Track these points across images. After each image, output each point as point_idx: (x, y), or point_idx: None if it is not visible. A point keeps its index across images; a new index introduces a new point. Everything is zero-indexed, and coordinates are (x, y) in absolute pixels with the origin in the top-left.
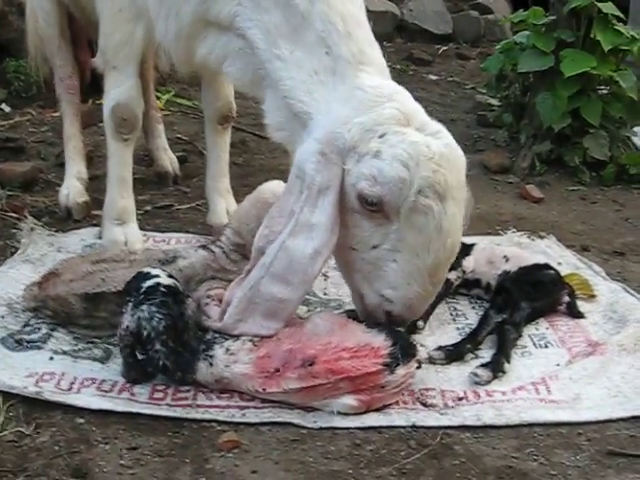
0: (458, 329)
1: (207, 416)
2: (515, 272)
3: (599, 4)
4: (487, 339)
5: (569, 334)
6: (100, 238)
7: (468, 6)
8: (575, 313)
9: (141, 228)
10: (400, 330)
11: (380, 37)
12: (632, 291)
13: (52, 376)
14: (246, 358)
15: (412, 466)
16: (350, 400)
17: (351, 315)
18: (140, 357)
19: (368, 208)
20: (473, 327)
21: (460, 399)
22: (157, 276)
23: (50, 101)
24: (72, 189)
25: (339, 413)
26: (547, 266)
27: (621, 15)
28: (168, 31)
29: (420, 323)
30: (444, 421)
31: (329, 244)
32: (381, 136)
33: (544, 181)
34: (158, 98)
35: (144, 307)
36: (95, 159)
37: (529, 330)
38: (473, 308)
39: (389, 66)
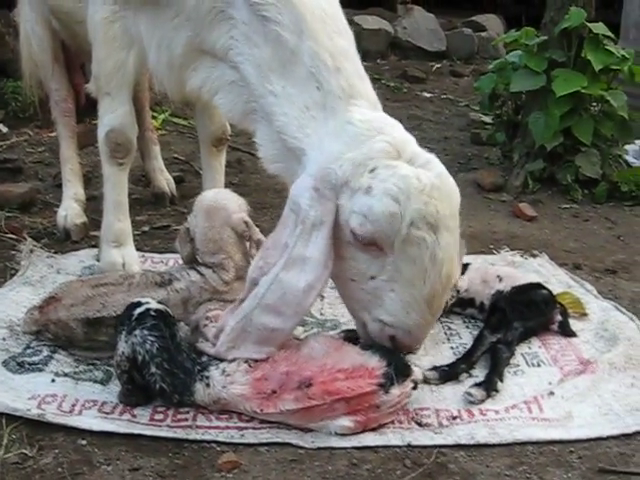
0: (452, 348)
1: (207, 437)
2: (508, 292)
3: (590, 24)
4: (481, 358)
5: (561, 352)
6: (98, 260)
7: (461, 24)
8: (567, 332)
9: (139, 249)
10: (394, 351)
11: (374, 55)
12: (623, 309)
13: (54, 398)
14: (242, 379)
15: None
16: (346, 421)
17: (347, 336)
18: (138, 382)
19: (362, 243)
20: (467, 346)
21: (454, 418)
22: (147, 303)
23: (47, 121)
24: (70, 210)
25: (336, 433)
26: (540, 285)
27: (611, 35)
28: (160, 61)
29: None
30: (439, 440)
31: (322, 278)
32: (372, 170)
33: (537, 199)
34: (154, 118)
35: (137, 332)
36: (93, 180)
37: (522, 349)
38: (467, 327)
39: (383, 83)
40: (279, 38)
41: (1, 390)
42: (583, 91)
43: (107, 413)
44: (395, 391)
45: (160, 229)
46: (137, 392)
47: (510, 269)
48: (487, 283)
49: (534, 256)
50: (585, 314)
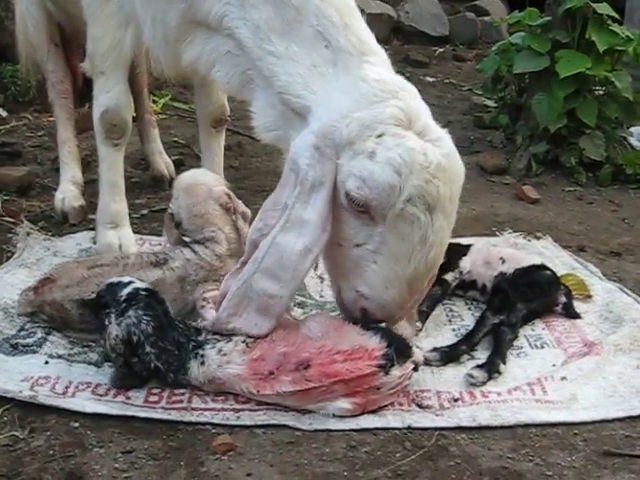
0: (454, 330)
1: (202, 419)
2: (511, 273)
3: (594, 5)
4: (483, 340)
5: (565, 334)
6: (95, 242)
7: (464, 8)
8: (571, 313)
9: (138, 232)
10: (395, 332)
11: (376, 39)
12: (628, 291)
13: (47, 380)
14: (239, 359)
15: (407, 467)
16: (345, 403)
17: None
18: (133, 364)
19: (355, 207)
20: (469, 328)
21: (456, 400)
22: (132, 282)
23: (46, 106)
24: (68, 193)
25: (334, 415)
26: (543, 267)
27: (616, 15)
28: (156, 35)
29: (418, 324)
30: (440, 422)
31: (319, 242)
32: (379, 136)
33: (540, 182)
34: (155, 102)
35: (130, 313)
36: (92, 163)
37: (525, 331)
38: (469, 309)
39: None
40: None
41: None
42: (587, 72)
43: (101, 395)
44: (395, 372)
45: (159, 212)
46: (132, 375)
47: (513, 251)
48: (490, 265)
49: (537, 238)
50: (589, 296)
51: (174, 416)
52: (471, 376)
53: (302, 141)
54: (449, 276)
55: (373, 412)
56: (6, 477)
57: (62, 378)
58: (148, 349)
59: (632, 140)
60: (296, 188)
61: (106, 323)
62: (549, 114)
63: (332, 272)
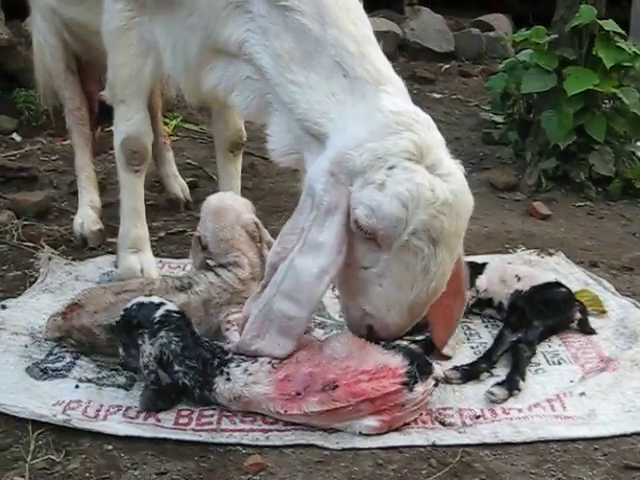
0: (472, 348)
1: (232, 440)
2: (527, 291)
3: (600, 22)
4: (501, 357)
5: (581, 350)
6: (116, 266)
7: (469, 24)
8: (587, 330)
9: (156, 255)
10: (416, 350)
11: None
12: None
13: (79, 404)
14: (266, 380)
15: None
16: (372, 421)
17: None
18: (165, 381)
19: (362, 233)
20: (487, 346)
21: (477, 417)
22: (163, 303)
23: (60, 130)
24: (86, 218)
25: (361, 434)
26: (558, 284)
27: (622, 31)
28: (176, 64)
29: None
30: (463, 439)
31: (335, 264)
32: (390, 168)
33: (551, 198)
34: (166, 124)
35: (162, 334)
36: (107, 187)
37: (542, 347)
38: (486, 327)
39: None
40: (302, 27)
41: (26, 397)
42: (595, 89)
43: (132, 418)
44: (419, 389)
45: (176, 234)
46: (162, 395)
47: (528, 268)
48: (505, 282)
49: (550, 255)
50: (604, 312)
51: (205, 437)
52: (492, 394)
53: (318, 167)
54: (466, 295)
55: (398, 430)
56: None
57: (93, 402)
58: (177, 367)
59: None
60: (312, 212)
61: (139, 342)
62: (559, 131)
63: (341, 290)
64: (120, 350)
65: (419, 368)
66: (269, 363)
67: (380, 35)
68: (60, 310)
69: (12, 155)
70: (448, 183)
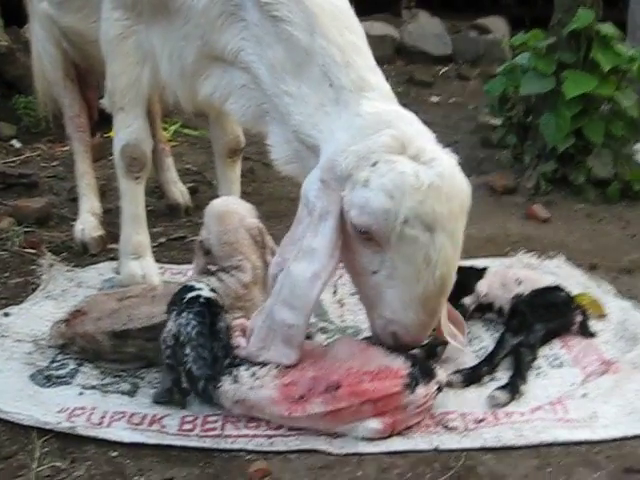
0: (474, 352)
1: (236, 446)
2: (528, 295)
3: (598, 25)
4: (502, 361)
5: (582, 353)
6: (118, 273)
7: (465, 27)
8: (587, 333)
9: (157, 260)
10: (417, 354)
11: (380, 60)
12: None
13: (83, 410)
14: (271, 384)
15: None
16: (374, 423)
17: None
18: (179, 357)
19: (361, 236)
20: (488, 349)
21: (480, 421)
22: (199, 289)
23: (60, 136)
24: (87, 224)
25: (364, 439)
26: (559, 288)
27: (620, 35)
28: (172, 71)
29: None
30: (466, 443)
31: (328, 268)
32: (373, 164)
33: (550, 200)
34: (165, 129)
35: (184, 314)
36: (107, 193)
37: (543, 351)
38: (487, 330)
39: (390, 89)
40: (291, 38)
41: (31, 404)
42: (593, 92)
43: (136, 424)
44: (421, 391)
45: (176, 240)
46: (175, 372)
47: (529, 272)
48: (506, 287)
49: (550, 258)
50: (604, 315)
51: (209, 444)
52: (494, 397)
53: (311, 177)
54: (467, 300)
55: (401, 435)
56: None
57: (97, 408)
58: (188, 351)
59: (639, 157)
60: (306, 219)
61: (168, 318)
62: (557, 134)
63: (363, 302)
64: None
65: (421, 371)
66: (276, 368)
67: (377, 39)
68: (63, 317)
69: (12, 162)
70: (433, 168)
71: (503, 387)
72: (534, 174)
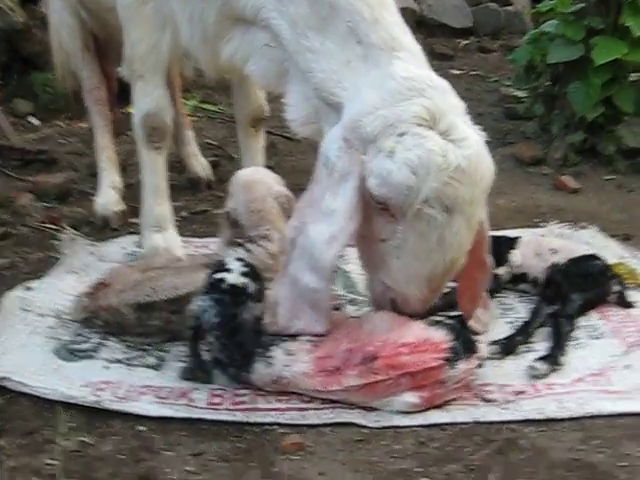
0: (510, 323)
1: (268, 419)
2: (564, 264)
3: None
4: (539, 331)
5: (622, 324)
6: (140, 246)
7: None
8: (625, 303)
9: (179, 234)
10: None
11: None
12: None
13: (108, 385)
14: (306, 357)
15: (479, 462)
16: (411, 397)
17: None
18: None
19: (377, 205)
20: (523, 320)
21: (519, 393)
22: (228, 270)
23: (78, 112)
24: (108, 198)
25: (400, 412)
26: (595, 257)
27: None
28: (194, 35)
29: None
30: (507, 416)
31: (346, 230)
32: (400, 135)
33: (579, 171)
34: (184, 104)
35: (204, 298)
36: (127, 168)
37: (580, 322)
38: (521, 302)
39: None
40: None
41: (55, 378)
42: (623, 59)
43: (164, 398)
44: (461, 366)
45: (199, 214)
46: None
47: (563, 241)
48: (541, 256)
49: (583, 228)
50: None
51: (239, 417)
52: (534, 368)
53: (331, 135)
54: (501, 270)
55: (438, 407)
56: None
57: (123, 382)
58: (211, 339)
59: None
60: (326, 180)
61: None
62: (586, 102)
63: (364, 264)
64: None
65: (463, 345)
66: (309, 341)
67: None
68: (86, 290)
69: (30, 139)
70: (462, 149)
71: (542, 358)
72: (562, 144)
